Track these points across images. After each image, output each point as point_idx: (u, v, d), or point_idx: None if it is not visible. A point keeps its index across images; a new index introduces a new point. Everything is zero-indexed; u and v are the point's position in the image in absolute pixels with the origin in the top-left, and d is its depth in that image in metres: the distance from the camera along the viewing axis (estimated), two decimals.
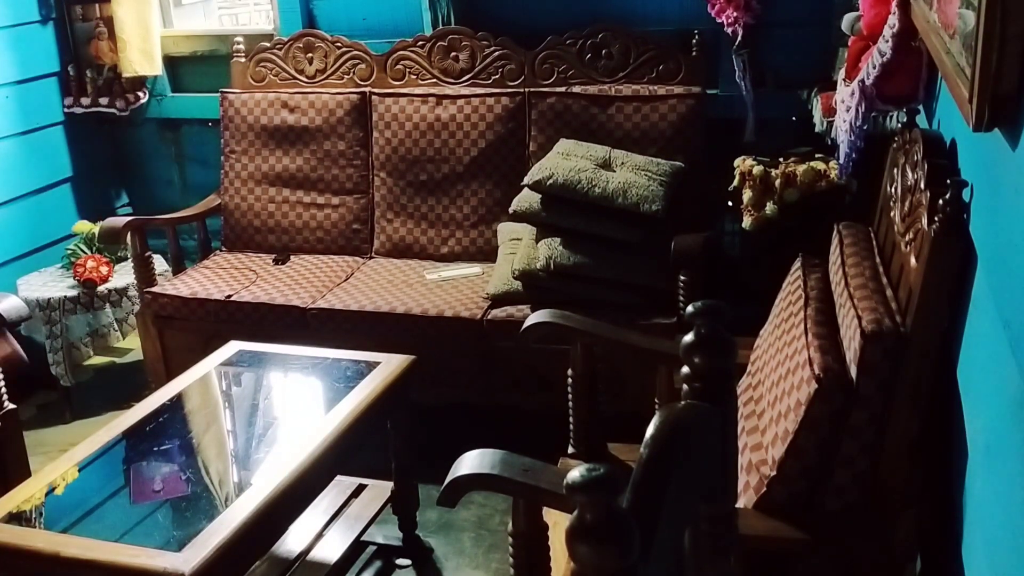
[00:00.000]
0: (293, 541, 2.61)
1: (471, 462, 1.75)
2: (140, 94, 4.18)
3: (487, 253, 3.55)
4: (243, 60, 3.91)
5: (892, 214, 1.96)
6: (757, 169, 3.03)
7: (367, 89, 3.75)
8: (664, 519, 1.01)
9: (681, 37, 3.51)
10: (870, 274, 1.88)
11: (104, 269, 3.73)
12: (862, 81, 2.18)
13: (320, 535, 2.66)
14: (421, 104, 3.66)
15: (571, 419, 2.41)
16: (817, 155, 3.09)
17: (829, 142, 2.95)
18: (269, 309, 3.32)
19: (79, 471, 2.33)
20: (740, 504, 1.75)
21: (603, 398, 2.48)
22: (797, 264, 2.19)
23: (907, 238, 1.77)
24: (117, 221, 3.57)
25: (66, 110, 4.15)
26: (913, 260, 1.67)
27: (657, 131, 3.41)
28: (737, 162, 3.13)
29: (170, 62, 4.20)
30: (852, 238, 2.09)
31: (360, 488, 2.84)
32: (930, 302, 1.58)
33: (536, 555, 1.79)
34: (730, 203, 3.18)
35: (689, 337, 1.27)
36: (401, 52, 3.74)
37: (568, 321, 2.34)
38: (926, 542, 1.73)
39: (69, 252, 3.86)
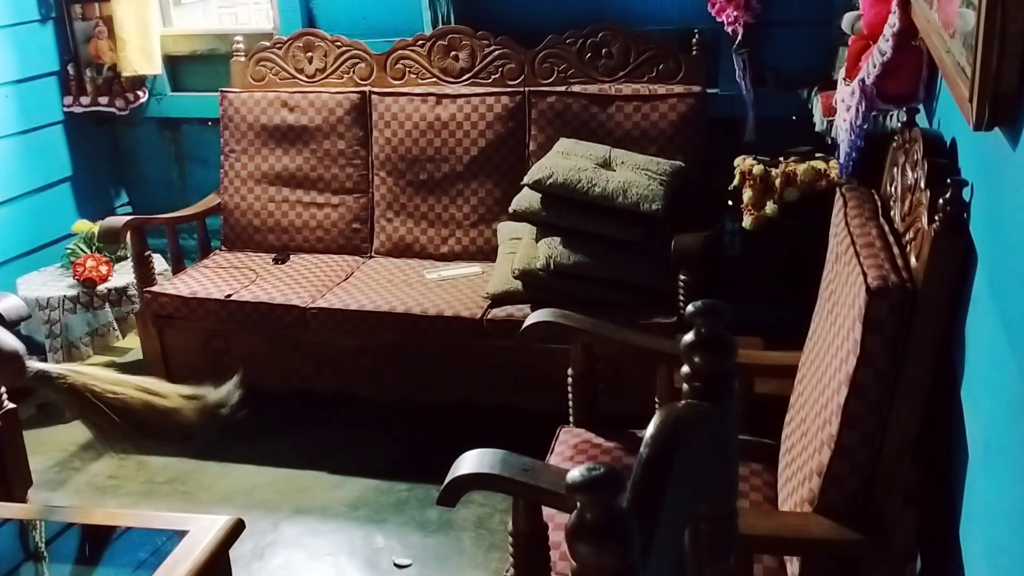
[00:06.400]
0: None
1: (471, 462, 1.75)
2: (140, 93, 4.17)
3: (487, 253, 3.55)
4: (243, 59, 3.90)
5: (892, 213, 1.95)
6: (757, 168, 3.03)
7: (367, 88, 3.75)
8: (664, 519, 1.01)
9: (681, 36, 3.50)
10: (876, 232, 1.84)
11: (104, 268, 3.73)
12: (862, 80, 2.18)
13: None
14: (421, 103, 3.65)
15: (571, 419, 2.41)
16: (817, 154, 3.09)
17: (829, 141, 2.95)
18: (269, 308, 3.32)
19: None
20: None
21: (603, 398, 2.48)
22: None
23: (907, 238, 1.76)
24: (116, 220, 3.56)
25: (65, 109, 4.14)
26: (913, 260, 1.66)
27: (657, 130, 3.41)
28: (737, 161, 3.13)
29: (170, 61, 4.19)
30: (856, 200, 2.05)
31: None
32: (930, 302, 1.57)
33: (536, 555, 1.78)
34: (730, 202, 3.18)
35: (689, 337, 1.27)
36: (401, 51, 3.73)
37: (568, 321, 2.33)
38: (926, 542, 1.73)
39: (69, 251, 3.86)
